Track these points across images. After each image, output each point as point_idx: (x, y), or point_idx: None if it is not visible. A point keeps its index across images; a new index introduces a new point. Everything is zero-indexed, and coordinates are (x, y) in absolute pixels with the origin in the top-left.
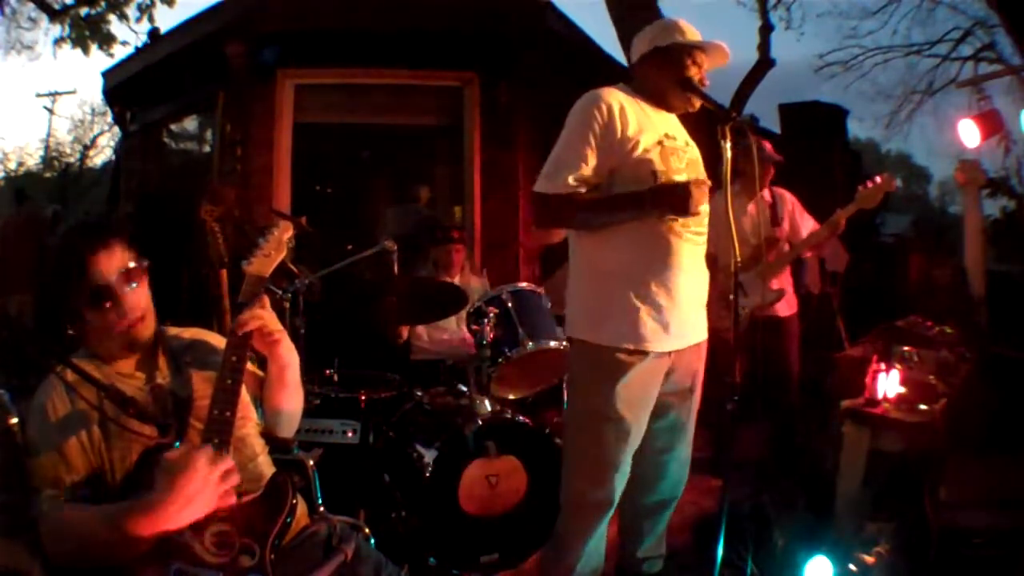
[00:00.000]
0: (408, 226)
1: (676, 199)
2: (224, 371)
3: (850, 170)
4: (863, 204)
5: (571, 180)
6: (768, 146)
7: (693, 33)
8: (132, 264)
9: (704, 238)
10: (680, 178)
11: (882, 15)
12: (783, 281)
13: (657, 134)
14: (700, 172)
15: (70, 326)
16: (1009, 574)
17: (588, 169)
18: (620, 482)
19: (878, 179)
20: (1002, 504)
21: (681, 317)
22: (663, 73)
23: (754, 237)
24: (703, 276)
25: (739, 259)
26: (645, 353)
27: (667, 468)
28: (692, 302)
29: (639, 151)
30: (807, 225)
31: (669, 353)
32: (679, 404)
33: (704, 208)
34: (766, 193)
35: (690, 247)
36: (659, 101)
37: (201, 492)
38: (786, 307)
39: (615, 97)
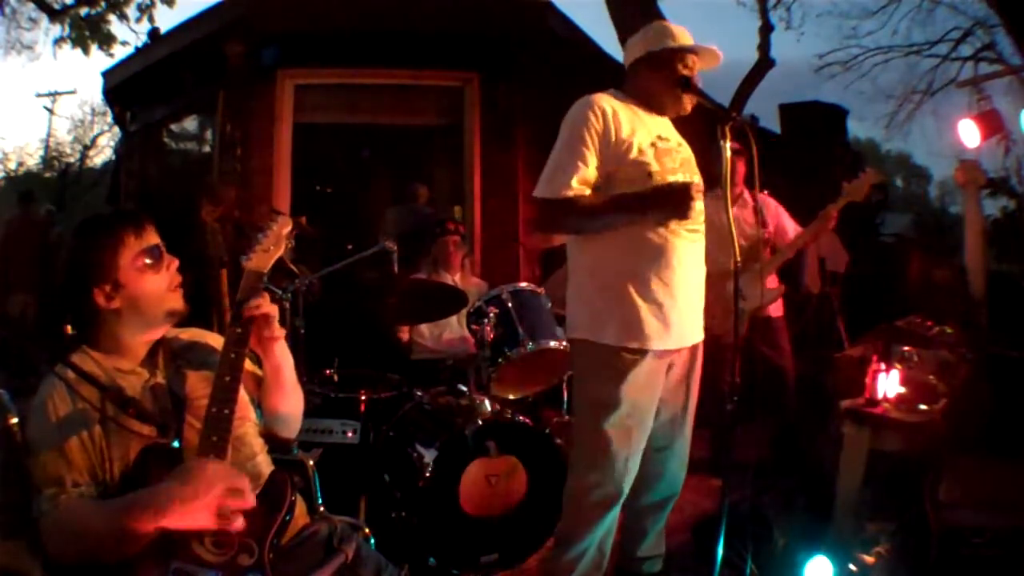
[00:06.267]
0: (408, 225)
1: (676, 202)
2: (222, 367)
3: (850, 170)
4: (851, 197)
5: (574, 183)
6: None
7: (685, 37)
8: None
9: (701, 236)
10: (675, 178)
11: (882, 15)
12: (773, 283)
13: (650, 135)
14: (694, 171)
15: (87, 314)
16: (1009, 574)
17: (589, 171)
18: (626, 481)
19: (861, 174)
20: (1002, 504)
21: (681, 316)
22: (656, 76)
23: (743, 238)
24: (701, 275)
25: (738, 259)
26: (646, 352)
27: (666, 466)
28: (691, 301)
29: (634, 152)
30: (791, 228)
31: (670, 352)
32: (676, 401)
33: (699, 206)
34: (748, 197)
35: (687, 245)
36: (652, 104)
37: (205, 495)
38: (777, 307)
39: (607, 102)
